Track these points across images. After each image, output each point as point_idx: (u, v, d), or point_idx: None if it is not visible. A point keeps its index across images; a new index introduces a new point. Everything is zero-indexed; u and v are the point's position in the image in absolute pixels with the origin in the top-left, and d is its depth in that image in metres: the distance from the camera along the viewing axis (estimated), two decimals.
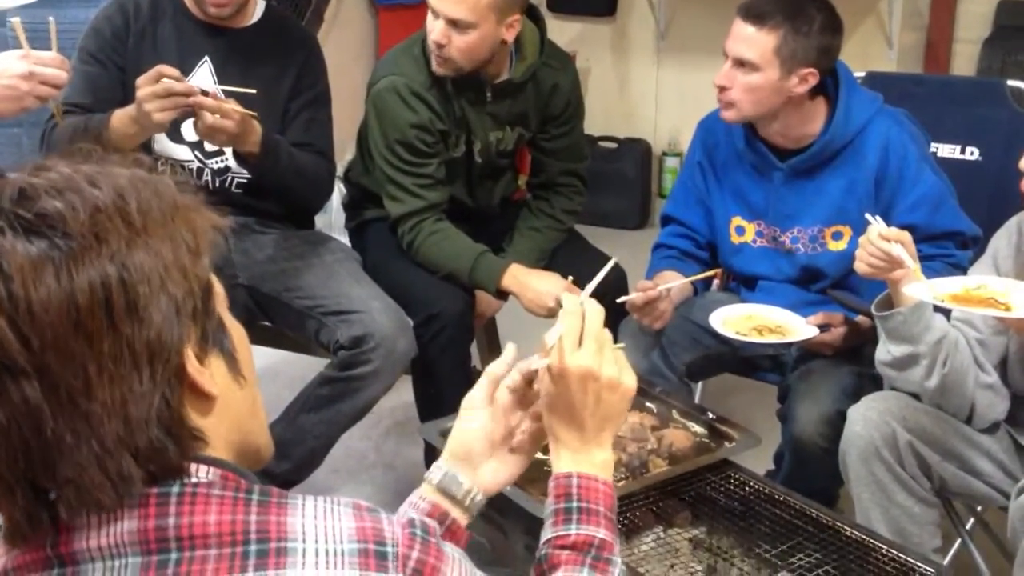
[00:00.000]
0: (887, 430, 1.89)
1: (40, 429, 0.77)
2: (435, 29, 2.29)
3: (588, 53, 4.70)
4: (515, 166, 2.76)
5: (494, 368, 1.19)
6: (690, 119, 4.50)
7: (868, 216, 1.91)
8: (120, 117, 2.17)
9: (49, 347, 0.76)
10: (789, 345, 2.21)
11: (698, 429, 1.94)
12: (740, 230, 2.36)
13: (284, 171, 2.34)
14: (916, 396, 1.93)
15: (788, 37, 2.12)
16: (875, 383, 2.05)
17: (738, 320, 2.18)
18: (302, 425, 2.33)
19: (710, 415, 1.96)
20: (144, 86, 2.06)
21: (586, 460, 1.10)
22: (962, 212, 2.23)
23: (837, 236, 2.26)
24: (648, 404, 2.01)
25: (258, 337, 2.64)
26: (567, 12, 4.64)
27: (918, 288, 1.77)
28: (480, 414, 1.17)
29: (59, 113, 2.09)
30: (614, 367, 1.09)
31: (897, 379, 1.93)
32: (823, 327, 2.16)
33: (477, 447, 1.17)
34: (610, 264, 1.45)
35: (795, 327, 2.15)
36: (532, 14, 2.48)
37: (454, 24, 2.27)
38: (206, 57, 2.37)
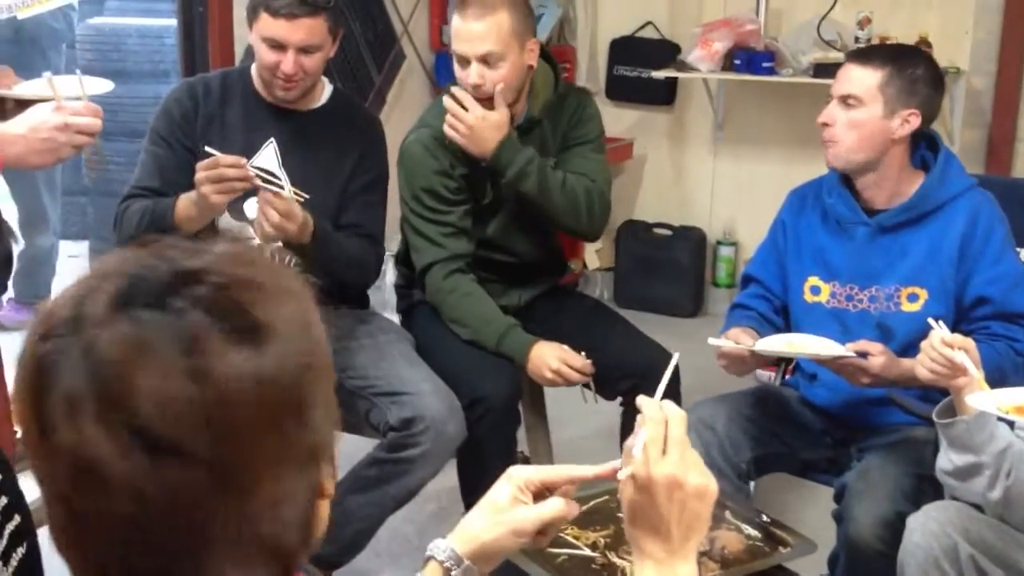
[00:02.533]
0: (948, 542, 1.83)
1: (198, 520, 0.75)
2: (471, 74, 2.38)
3: (645, 141, 4.73)
4: (554, 232, 2.76)
5: (527, 475, 1.17)
6: (746, 209, 4.59)
7: (931, 321, 1.88)
8: (184, 200, 2.25)
9: (231, 439, 0.74)
10: (824, 360, 2.18)
11: (751, 532, 1.89)
12: (815, 290, 2.33)
13: (332, 260, 2.38)
14: (979, 507, 1.87)
15: (892, 74, 2.18)
16: (935, 487, 1.99)
17: (778, 346, 2.20)
18: (348, 507, 2.31)
19: (764, 518, 1.91)
20: (201, 170, 2.15)
21: (670, 574, 1.06)
22: None
23: (913, 298, 2.23)
24: None
25: None
26: (626, 100, 4.68)
27: (981, 398, 1.73)
28: (505, 518, 1.14)
29: (92, 162, 2.10)
30: (699, 474, 1.07)
31: (959, 489, 1.87)
32: (861, 354, 2.12)
33: (492, 547, 1.15)
34: (674, 361, 1.43)
35: (833, 350, 2.14)
36: (544, 55, 2.55)
37: (486, 61, 2.36)
38: (272, 139, 2.42)
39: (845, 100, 2.21)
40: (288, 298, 0.79)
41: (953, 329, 1.98)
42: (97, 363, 0.73)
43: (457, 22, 2.41)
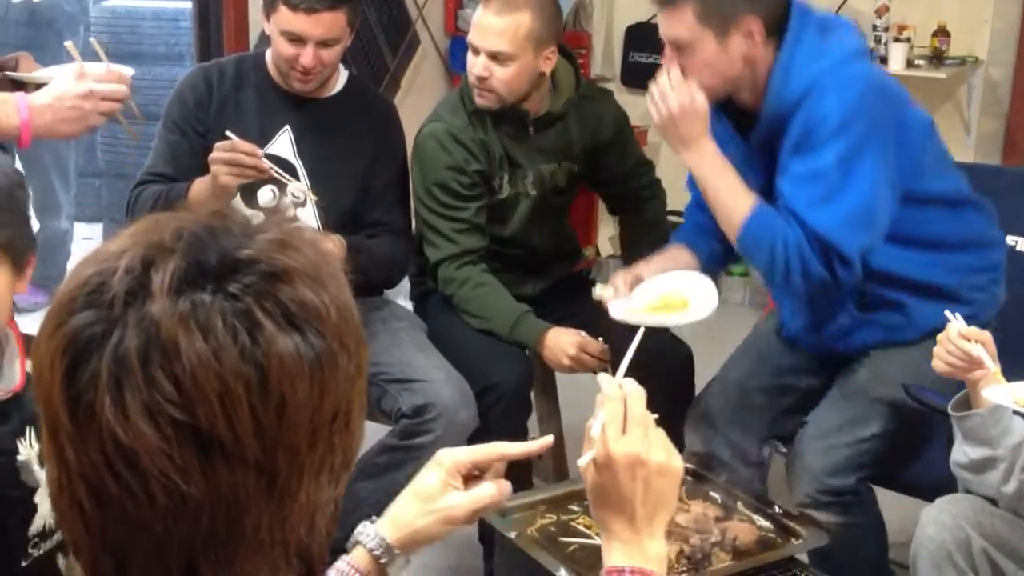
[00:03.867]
0: (961, 535, 1.82)
1: (239, 520, 0.73)
2: (476, 64, 2.39)
3: None
4: (568, 212, 2.76)
5: (456, 457, 1.16)
6: None
7: (948, 313, 1.86)
8: (197, 185, 2.26)
9: (283, 446, 0.72)
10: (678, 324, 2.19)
11: (764, 523, 1.89)
12: None
13: (361, 271, 2.35)
14: (992, 500, 1.86)
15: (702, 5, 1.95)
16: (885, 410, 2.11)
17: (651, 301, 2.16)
18: (358, 493, 2.31)
19: (777, 508, 1.90)
20: (217, 150, 2.16)
21: (639, 553, 1.04)
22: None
23: None
24: (712, 494, 1.97)
25: None
26: (641, 87, 4.64)
27: (998, 391, 1.72)
28: (437, 507, 1.13)
29: (130, 128, 2.10)
30: (662, 451, 1.05)
31: (973, 482, 1.86)
32: None
33: (423, 535, 1.13)
34: (639, 336, 1.39)
35: (696, 304, 2.12)
36: (564, 52, 2.54)
37: (495, 57, 2.36)
38: (287, 126, 2.42)
39: (676, 48, 2.01)
40: (333, 283, 0.78)
41: None
42: (151, 339, 0.69)
43: (479, 12, 2.41)
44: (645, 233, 2.66)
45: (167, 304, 0.70)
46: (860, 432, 2.12)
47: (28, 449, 1.47)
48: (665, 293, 2.18)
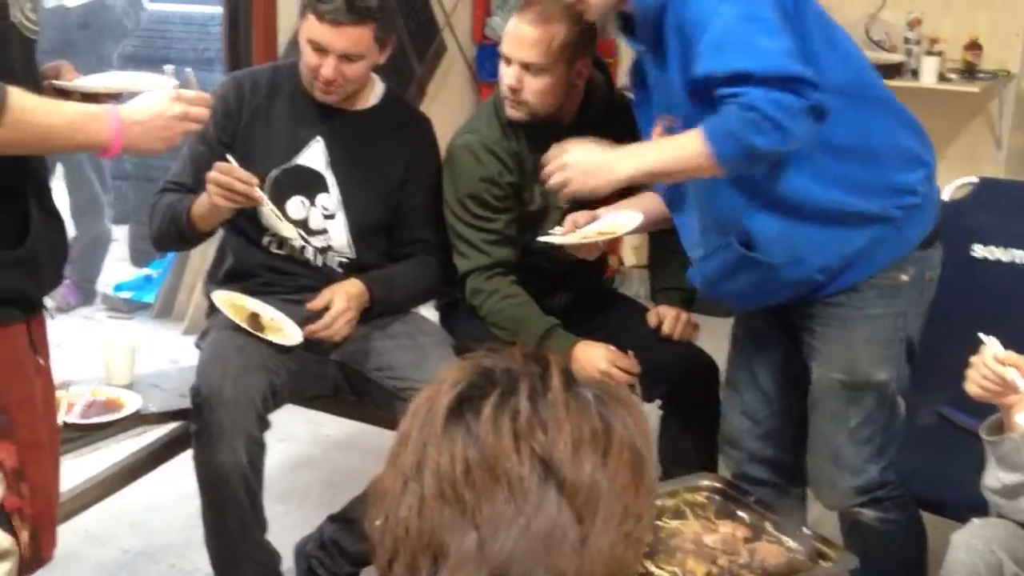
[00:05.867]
0: (993, 559, 1.81)
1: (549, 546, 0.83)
2: (508, 74, 2.37)
3: None
4: None
5: None
6: None
7: (982, 336, 1.85)
8: (200, 200, 2.27)
9: (592, 495, 0.84)
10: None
11: (792, 544, 1.87)
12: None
13: (399, 303, 2.46)
14: None
15: None
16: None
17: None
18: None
19: (806, 531, 1.89)
20: (214, 171, 2.18)
21: None
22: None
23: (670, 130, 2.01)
24: (741, 514, 1.95)
25: (341, 409, 2.67)
26: None
27: None
28: None
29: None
30: None
31: (1005, 507, 1.84)
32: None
33: None
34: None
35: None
36: (596, 63, 2.52)
37: (527, 68, 2.34)
38: (318, 136, 2.41)
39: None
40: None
41: None
42: (539, 394, 0.86)
43: (512, 21, 2.39)
44: (674, 246, 2.64)
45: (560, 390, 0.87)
46: (847, 427, 2.10)
47: None
48: (600, 227, 2.25)
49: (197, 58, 4.47)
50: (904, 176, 2.02)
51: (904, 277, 2.04)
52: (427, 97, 4.20)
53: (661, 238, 2.70)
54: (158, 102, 1.80)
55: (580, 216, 2.28)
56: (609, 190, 2.05)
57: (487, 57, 4.43)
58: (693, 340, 2.59)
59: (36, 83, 1.77)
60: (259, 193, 2.22)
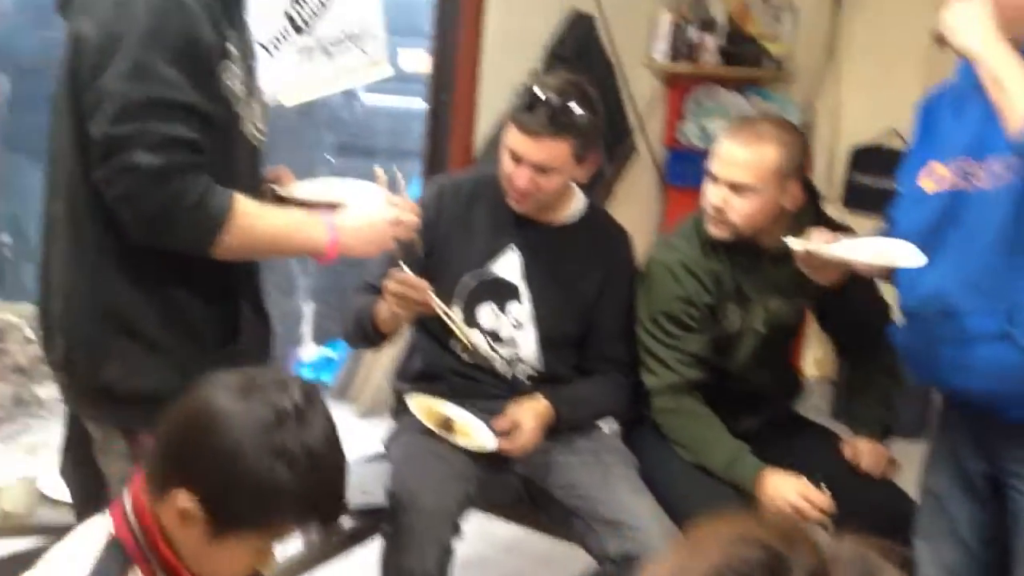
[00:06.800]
0: None
1: None
2: (715, 194, 2.32)
3: None
4: (791, 356, 2.66)
5: None
6: None
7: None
8: (383, 305, 2.28)
9: None
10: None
11: None
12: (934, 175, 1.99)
13: (585, 421, 2.45)
14: None
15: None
16: None
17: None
18: None
19: None
20: (390, 280, 2.18)
21: None
22: None
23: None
24: None
25: (514, 515, 2.65)
26: (865, 210, 4.50)
27: None
28: None
29: (401, 252, 2.16)
30: None
31: None
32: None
33: None
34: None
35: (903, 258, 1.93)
36: (806, 185, 2.45)
37: (735, 188, 2.29)
38: (513, 246, 2.42)
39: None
40: None
41: None
42: None
43: (722, 140, 2.36)
44: (876, 383, 2.53)
45: None
46: None
47: None
48: (875, 252, 2.04)
49: (400, 150, 4.62)
50: None
51: None
52: (614, 198, 4.21)
53: (862, 359, 2.58)
54: (371, 208, 1.86)
55: (828, 234, 2.17)
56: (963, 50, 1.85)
57: (676, 161, 4.42)
58: (892, 478, 2.45)
59: (258, 188, 1.85)
60: (436, 301, 2.22)
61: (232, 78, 1.72)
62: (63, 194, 1.73)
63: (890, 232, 2.11)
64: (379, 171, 2.00)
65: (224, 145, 1.69)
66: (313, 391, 1.29)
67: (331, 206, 1.95)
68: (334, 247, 1.79)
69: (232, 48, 1.72)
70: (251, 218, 1.69)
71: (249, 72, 1.80)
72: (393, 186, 1.99)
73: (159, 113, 1.58)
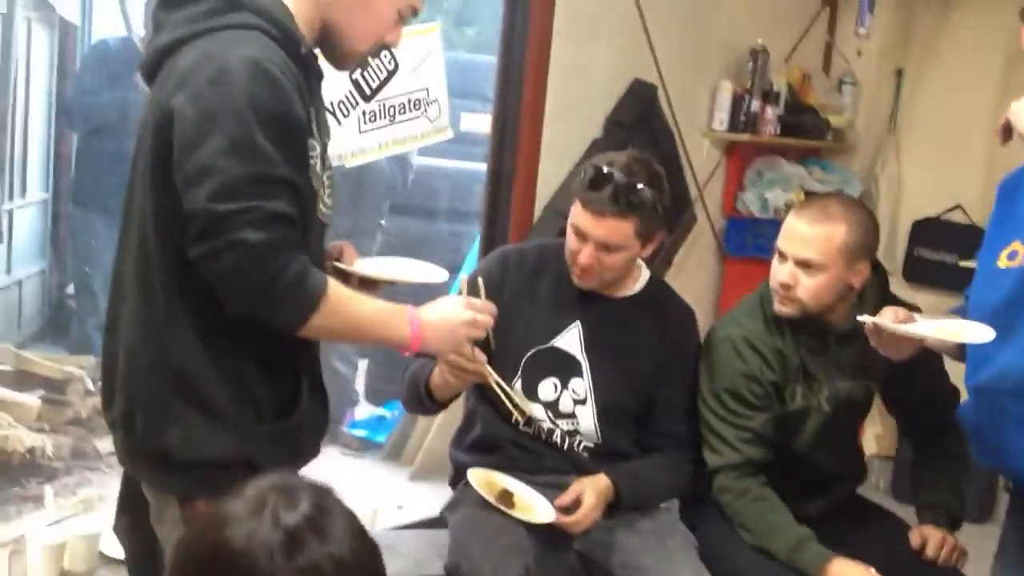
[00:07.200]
0: None
1: None
2: (783, 271, 2.31)
3: None
4: (860, 430, 2.61)
5: None
6: None
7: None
8: (437, 372, 2.27)
9: None
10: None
11: None
12: (1013, 254, 1.98)
13: (646, 500, 2.42)
14: None
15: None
16: None
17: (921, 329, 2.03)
18: None
19: None
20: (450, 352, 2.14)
21: None
22: None
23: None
24: None
25: None
26: (926, 284, 4.46)
27: None
28: None
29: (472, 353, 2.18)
30: None
31: None
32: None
33: None
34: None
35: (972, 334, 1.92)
36: (874, 264, 2.42)
37: (803, 265, 2.28)
38: (577, 321, 2.41)
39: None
40: None
41: None
42: None
43: (790, 218, 2.35)
44: (944, 470, 2.47)
45: None
46: None
47: None
48: (940, 326, 2.04)
49: (459, 211, 4.65)
50: None
51: None
52: (673, 267, 4.19)
53: (929, 443, 2.53)
54: (451, 307, 1.88)
55: (901, 311, 2.14)
56: None
57: (735, 231, 4.41)
58: (960, 568, 2.38)
59: (322, 264, 1.87)
60: (492, 375, 2.21)
61: (314, 154, 1.74)
62: (135, 256, 1.74)
63: (966, 309, 2.09)
64: (464, 277, 2.06)
65: (304, 221, 1.70)
66: (324, 493, 1.23)
67: (391, 283, 1.98)
68: (416, 341, 1.80)
69: (313, 124, 1.75)
70: (342, 302, 1.71)
71: (324, 148, 1.82)
72: (473, 288, 2.04)
73: (261, 189, 1.60)
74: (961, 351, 2.07)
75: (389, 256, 2.16)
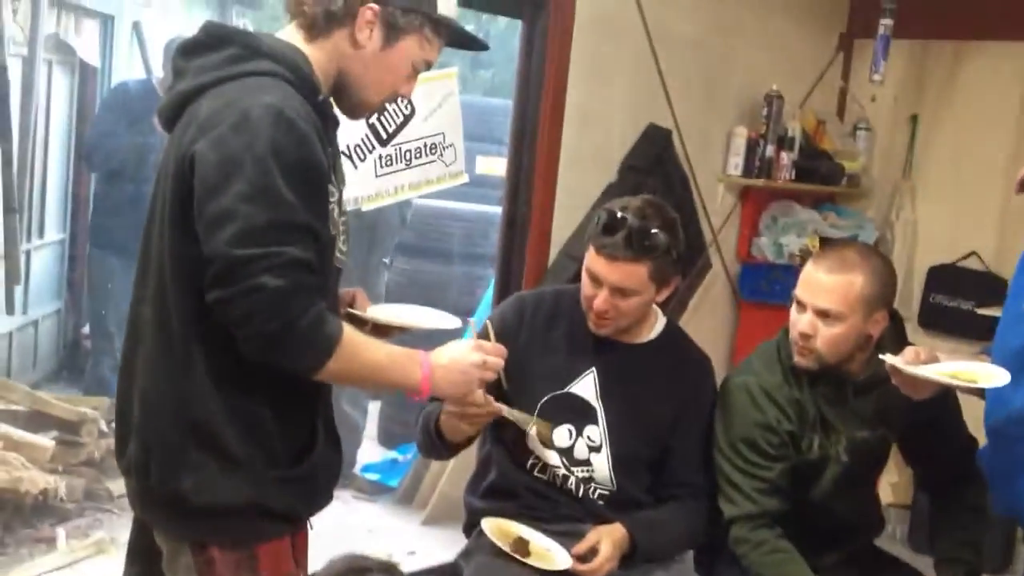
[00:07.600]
0: None
1: None
2: (802, 321, 2.29)
3: None
4: (876, 481, 2.58)
5: None
6: None
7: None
8: (446, 413, 2.24)
9: None
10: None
11: None
12: None
13: (661, 551, 2.40)
14: None
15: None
16: None
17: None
18: None
19: None
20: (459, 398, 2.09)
21: None
22: None
23: None
24: None
25: None
26: (941, 331, 4.43)
27: None
28: None
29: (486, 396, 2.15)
30: None
31: None
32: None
33: None
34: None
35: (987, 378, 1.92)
36: (892, 315, 2.40)
37: (822, 315, 2.26)
38: (593, 368, 2.41)
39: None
40: None
41: None
42: None
43: (809, 268, 2.35)
44: (962, 523, 2.44)
45: None
46: None
47: None
48: (957, 370, 2.03)
49: (472, 254, 4.65)
50: None
51: None
52: (688, 311, 4.18)
53: (947, 495, 2.50)
54: (461, 350, 1.88)
55: (923, 351, 2.13)
56: None
57: (750, 276, 4.40)
58: None
59: (337, 310, 1.87)
60: (500, 406, 2.17)
61: (332, 200, 1.75)
62: (153, 300, 1.74)
63: (991, 353, 2.09)
64: (471, 321, 2.03)
65: (321, 266, 1.71)
66: (392, 570, 1.23)
67: (403, 330, 1.98)
68: (427, 384, 1.80)
69: (331, 170, 1.76)
70: (357, 347, 1.71)
71: (341, 194, 1.83)
72: (483, 331, 2.04)
73: (281, 235, 1.60)
74: (982, 391, 2.06)
75: (401, 303, 2.17)
